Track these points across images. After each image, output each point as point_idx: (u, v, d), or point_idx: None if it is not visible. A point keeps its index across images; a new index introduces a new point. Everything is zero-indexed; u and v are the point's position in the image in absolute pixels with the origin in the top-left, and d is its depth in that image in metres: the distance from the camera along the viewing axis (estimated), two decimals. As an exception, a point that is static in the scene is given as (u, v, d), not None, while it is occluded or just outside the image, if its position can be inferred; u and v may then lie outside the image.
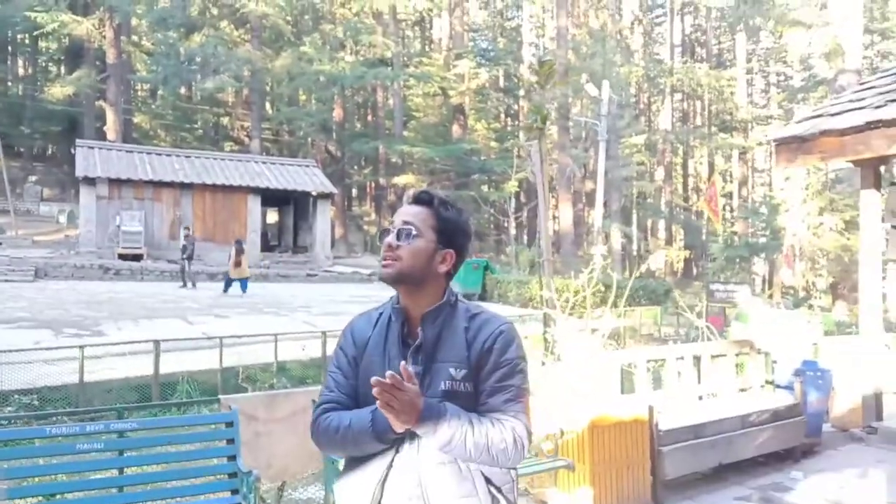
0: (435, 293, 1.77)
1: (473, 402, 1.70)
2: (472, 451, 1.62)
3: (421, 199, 1.80)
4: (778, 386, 5.93)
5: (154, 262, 22.07)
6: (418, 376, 1.67)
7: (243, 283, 17.73)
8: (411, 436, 1.66)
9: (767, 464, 5.34)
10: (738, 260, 23.71)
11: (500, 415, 1.67)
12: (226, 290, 17.57)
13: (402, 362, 1.61)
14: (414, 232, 1.73)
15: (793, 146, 5.97)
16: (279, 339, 8.57)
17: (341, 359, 1.82)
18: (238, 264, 17.66)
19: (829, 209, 20.10)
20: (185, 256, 18.83)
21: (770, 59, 40.81)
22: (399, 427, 1.61)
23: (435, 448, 1.64)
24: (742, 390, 5.83)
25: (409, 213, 1.78)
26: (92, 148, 24.45)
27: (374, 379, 1.53)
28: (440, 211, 1.78)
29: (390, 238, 1.74)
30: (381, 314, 1.84)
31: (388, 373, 1.55)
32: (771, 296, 20.41)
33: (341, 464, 3.67)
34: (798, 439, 5.50)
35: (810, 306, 17.11)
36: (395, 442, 1.68)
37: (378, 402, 1.55)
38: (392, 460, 1.69)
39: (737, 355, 5.99)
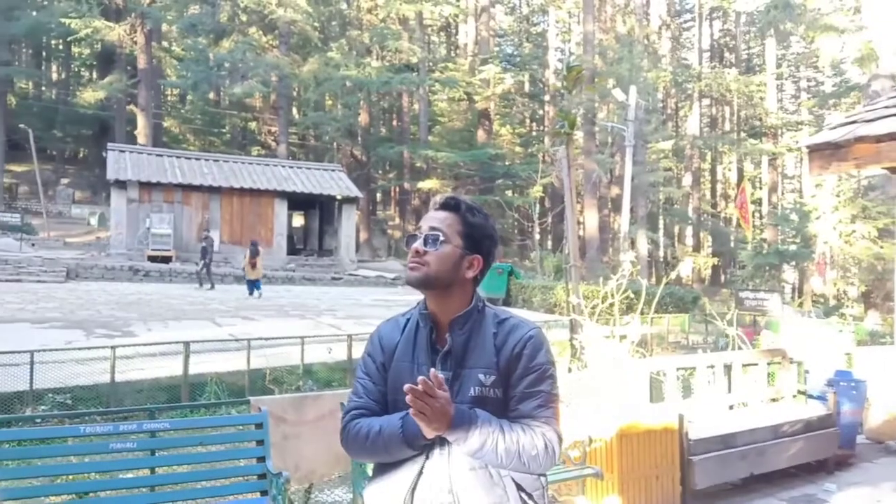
0: (462, 299, 1.77)
1: (503, 407, 1.70)
2: (504, 458, 1.62)
3: (448, 205, 1.80)
4: (810, 396, 5.82)
5: (182, 264, 22.37)
6: (447, 382, 1.66)
7: (257, 284, 17.99)
8: (441, 442, 1.66)
9: (799, 475, 5.24)
10: (767, 267, 23.37)
11: (531, 421, 1.67)
12: (251, 293, 17.76)
13: (433, 369, 1.61)
14: (441, 238, 1.73)
15: (826, 153, 5.85)
16: (305, 341, 8.62)
17: (369, 365, 1.83)
18: (253, 266, 17.92)
19: (862, 217, 19.71)
20: (205, 260, 19.05)
21: (801, 64, 40.26)
22: (430, 434, 1.61)
23: (466, 454, 1.64)
24: (773, 400, 5.73)
25: (436, 218, 1.78)
26: (123, 151, 24.89)
27: (407, 386, 1.54)
28: (467, 216, 1.78)
29: (417, 243, 1.74)
30: (408, 320, 1.84)
31: (420, 378, 1.55)
32: (801, 304, 20.05)
33: (370, 468, 3.68)
34: (831, 451, 5.39)
35: (842, 315, 16.79)
36: (425, 448, 1.68)
37: (411, 409, 1.55)
38: (422, 467, 1.69)
39: (768, 364, 5.90)
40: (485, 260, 1.79)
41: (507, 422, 1.66)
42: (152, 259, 21.99)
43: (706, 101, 43.59)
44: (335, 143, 36.92)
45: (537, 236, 28.68)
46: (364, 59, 33.64)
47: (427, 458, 1.69)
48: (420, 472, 1.69)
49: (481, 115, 36.77)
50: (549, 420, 1.68)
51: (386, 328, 1.87)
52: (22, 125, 29.14)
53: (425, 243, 1.73)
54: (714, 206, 43.29)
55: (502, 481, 1.67)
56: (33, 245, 23.59)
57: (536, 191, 28.95)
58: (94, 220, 30.26)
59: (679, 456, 4.54)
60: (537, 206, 28.74)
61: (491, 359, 1.71)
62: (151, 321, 12.40)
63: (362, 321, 13.66)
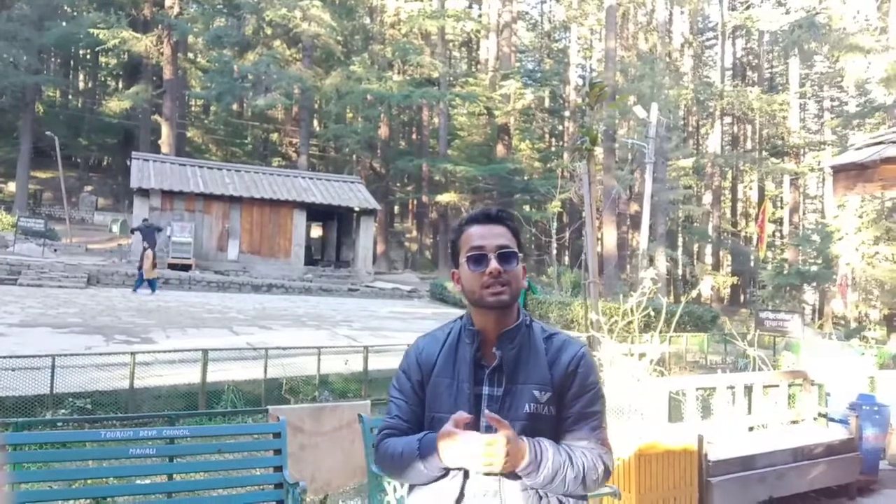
0: (514, 312, 1.73)
1: (555, 425, 1.66)
2: (570, 485, 1.61)
3: (501, 218, 1.75)
4: (832, 419, 5.73)
5: (202, 272, 22.56)
6: (496, 399, 1.64)
7: (145, 281, 18.47)
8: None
9: (819, 500, 5.15)
10: (788, 288, 23.09)
11: (589, 443, 1.65)
12: (150, 290, 18.30)
13: (487, 411, 1.59)
14: (518, 255, 1.70)
15: (852, 174, 5.80)
16: (322, 352, 8.65)
17: (403, 383, 1.78)
18: (154, 265, 18.52)
19: (886, 239, 19.46)
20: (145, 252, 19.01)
21: (824, 83, 39.95)
22: (449, 462, 1.58)
23: (535, 486, 1.60)
24: (794, 422, 5.65)
25: (497, 234, 1.71)
26: (147, 160, 25.23)
27: (464, 450, 1.54)
28: (515, 227, 1.76)
29: (494, 264, 1.66)
30: (448, 334, 1.78)
31: (488, 413, 1.57)
32: (822, 326, 19.77)
33: (386, 480, 3.67)
34: (853, 476, 5.30)
35: (863, 338, 16.54)
36: (459, 484, 1.63)
37: (474, 466, 1.54)
38: (462, 489, 1.64)
39: (789, 386, 5.82)
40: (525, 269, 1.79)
41: (570, 447, 1.64)
42: (172, 267, 22.20)
43: (728, 120, 43.41)
44: (355, 156, 37.16)
45: (555, 252, 28.62)
46: (386, 73, 33.93)
47: (466, 477, 1.63)
48: (461, 495, 1.64)
49: (501, 129, 36.87)
50: (605, 441, 1.68)
51: (424, 343, 1.82)
52: (48, 133, 29.62)
53: (503, 262, 1.67)
54: (734, 224, 42.96)
55: (549, 500, 1.64)
56: (56, 251, 23.91)
57: (555, 206, 28.93)
58: (115, 228, 30.64)
59: (698, 477, 4.48)
60: (555, 221, 28.71)
61: (545, 375, 1.67)
62: (170, 328, 12.51)
63: (378, 333, 13.69)
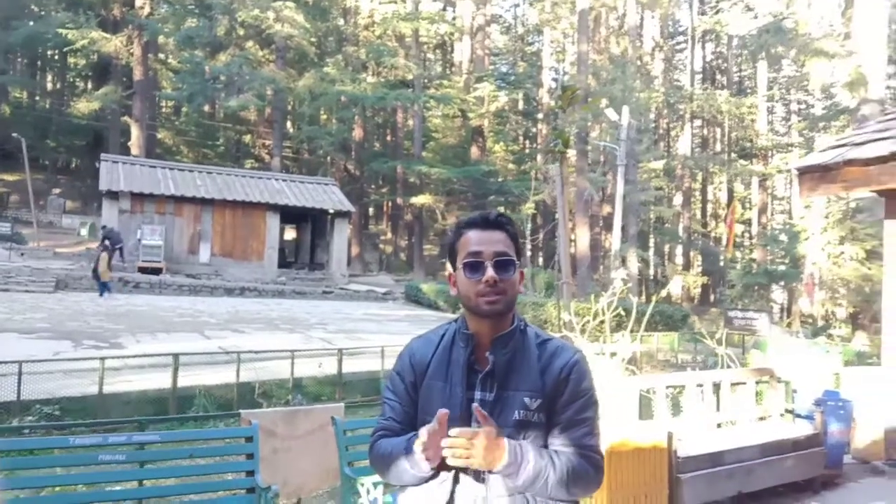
0: (509, 317, 1.71)
1: (545, 432, 1.64)
2: (553, 489, 1.58)
3: (500, 224, 1.71)
4: (798, 415, 5.86)
5: (173, 276, 22.29)
6: (488, 405, 1.62)
7: (105, 286, 18.38)
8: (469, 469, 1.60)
9: (786, 494, 5.26)
10: (756, 287, 23.50)
11: (578, 449, 1.63)
12: (101, 294, 18.11)
13: (475, 404, 1.57)
14: (515, 263, 1.67)
15: (816, 175, 5.95)
16: (295, 355, 8.60)
17: (397, 384, 1.77)
18: (109, 268, 18.48)
19: (850, 238, 19.88)
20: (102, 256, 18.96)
21: (791, 87, 40.71)
22: (430, 457, 1.56)
23: (515, 489, 1.59)
24: (761, 419, 5.77)
25: (495, 240, 1.68)
26: (116, 162, 24.86)
27: (445, 441, 1.50)
28: (513, 232, 1.72)
29: (490, 273, 1.63)
30: (442, 336, 1.76)
31: (476, 406, 1.54)
32: (790, 324, 20.15)
33: (359, 482, 3.67)
34: (818, 470, 5.42)
35: (830, 336, 16.89)
36: (449, 487, 1.62)
37: (452, 459, 1.50)
38: (452, 493, 1.63)
39: (756, 383, 5.93)
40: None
41: (556, 452, 1.61)
42: (142, 270, 21.90)
43: (697, 122, 44.01)
44: (329, 158, 37.01)
45: (529, 253, 28.77)
46: (360, 74, 33.86)
47: (456, 481, 1.63)
48: (451, 501, 1.63)
49: (475, 131, 36.99)
50: (597, 448, 1.66)
51: (418, 345, 1.80)
52: (15, 134, 29.03)
53: (500, 270, 1.65)
54: (704, 225, 43.57)
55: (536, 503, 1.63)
56: (22, 255, 23.44)
57: (528, 208, 29.07)
58: (84, 231, 30.11)
59: (668, 474, 4.55)
60: (529, 222, 28.89)
61: (536, 382, 1.65)
62: (140, 333, 12.34)
63: (353, 335, 13.65)
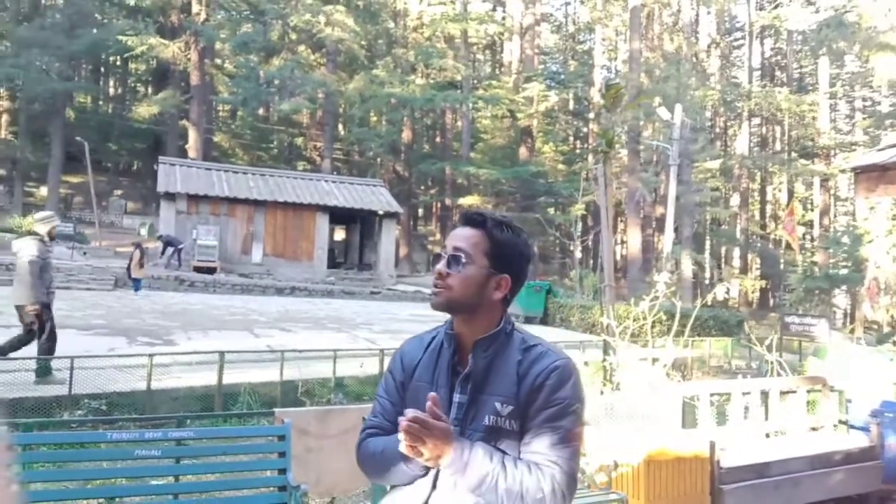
0: (490, 320, 1.66)
1: (518, 441, 1.58)
2: (504, 498, 1.50)
3: (473, 221, 1.68)
4: (852, 426, 5.59)
5: (227, 275, 22.83)
6: (462, 407, 1.60)
7: (139, 283, 18.96)
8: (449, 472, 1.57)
9: (839, 510, 5.02)
10: (817, 292, 22.65)
11: (543, 458, 1.54)
12: (136, 291, 18.72)
13: (431, 393, 1.53)
14: (464, 259, 1.63)
15: (874, 175, 5.68)
16: (339, 355, 8.67)
17: (389, 383, 1.76)
18: (141, 265, 18.90)
19: (918, 241, 18.95)
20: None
21: (855, 83, 39.16)
22: (422, 464, 1.54)
23: (465, 490, 1.54)
24: (813, 429, 5.53)
25: (460, 237, 1.67)
26: (173, 165, 25.61)
27: (408, 412, 1.48)
28: (494, 234, 1.66)
29: (440, 265, 1.65)
30: (434, 337, 1.76)
31: (431, 395, 1.50)
32: (853, 331, 19.33)
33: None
34: (874, 485, 5.16)
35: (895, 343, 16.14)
36: (433, 477, 1.59)
37: (404, 438, 1.47)
38: (428, 498, 1.60)
39: (808, 392, 5.69)
40: (515, 279, 1.67)
41: (513, 458, 1.55)
42: (198, 270, 22.49)
43: (756, 121, 42.74)
44: (378, 159, 37.34)
45: (578, 255, 28.42)
46: (409, 76, 34.06)
47: (434, 487, 1.60)
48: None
49: (524, 132, 36.75)
50: (563, 460, 1.54)
51: (409, 346, 1.80)
52: (79, 138, 30.26)
53: (448, 265, 1.64)
54: (763, 227, 42.28)
55: None
56: (85, 254, 24.36)
57: (578, 209, 28.72)
58: (144, 231, 31.13)
59: (710, 485, 4.40)
60: (579, 224, 28.54)
61: (511, 387, 1.60)
62: (192, 330, 12.66)
63: (398, 336, 13.70)
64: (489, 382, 1.62)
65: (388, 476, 1.67)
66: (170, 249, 22.77)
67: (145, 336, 11.53)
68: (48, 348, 7.24)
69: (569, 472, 1.54)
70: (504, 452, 1.57)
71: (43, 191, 34.87)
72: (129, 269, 19.26)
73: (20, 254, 7.12)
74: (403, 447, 1.49)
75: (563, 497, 1.53)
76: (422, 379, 1.70)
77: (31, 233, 7.56)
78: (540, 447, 1.55)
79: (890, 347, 14.06)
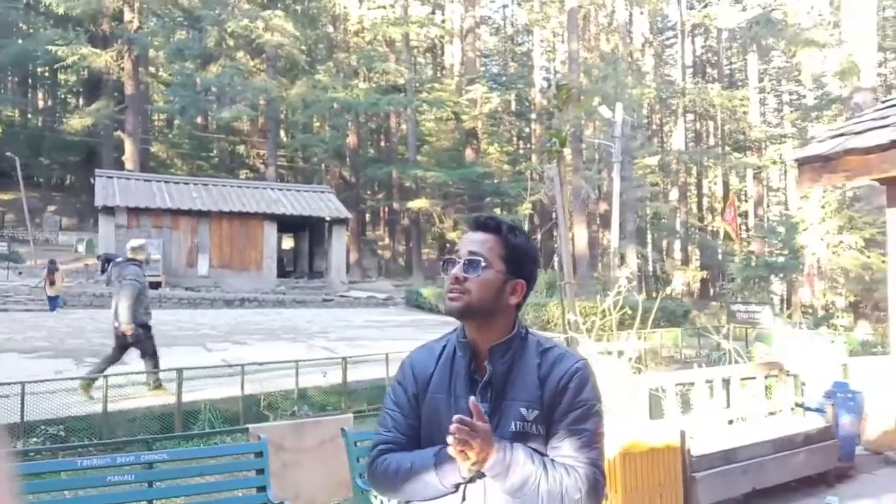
0: (504, 325, 1.65)
1: (545, 444, 1.59)
2: (545, 499, 1.51)
3: (488, 226, 1.66)
4: (808, 409, 5.82)
5: (172, 289, 22.22)
6: (486, 415, 1.57)
7: (56, 300, 18.62)
8: (478, 481, 1.55)
9: (800, 489, 5.22)
10: (756, 280, 23.47)
11: (573, 461, 1.55)
12: (52, 310, 18.28)
13: (472, 398, 1.52)
14: (483, 263, 1.61)
15: (816, 166, 5.91)
16: (299, 365, 8.54)
17: (400, 395, 1.71)
18: (52, 283, 18.56)
19: (849, 227, 19.87)
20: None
21: (783, 78, 40.83)
22: (466, 472, 1.52)
23: (505, 493, 1.53)
24: (772, 413, 5.73)
25: (475, 241, 1.65)
26: (111, 177, 24.81)
27: (456, 417, 1.46)
28: (509, 238, 1.65)
29: (457, 270, 1.61)
30: (444, 347, 1.72)
31: (457, 417, 1.47)
32: (790, 316, 20.12)
33: (372, 494, 3.62)
34: (831, 463, 5.38)
35: (831, 326, 16.89)
36: (460, 488, 1.57)
37: (453, 441, 1.45)
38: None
39: (765, 377, 5.90)
40: (528, 284, 1.67)
41: (551, 460, 1.56)
42: (141, 285, 21.81)
43: (690, 117, 44.08)
44: (324, 165, 36.98)
45: (528, 254, 28.65)
46: (351, 81, 33.84)
47: (464, 499, 1.57)
48: None
49: (469, 134, 36.97)
50: (595, 461, 1.56)
51: (419, 356, 1.75)
52: (8, 153, 28.96)
53: (465, 269, 1.61)
54: (701, 219, 43.61)
55: None
56: (20, 273, 23.36)
57: (525, 208, 29.01)
58: (81, 248, 30.01)
59: (682, 472, 4.52)
60: (526, 223, 28.83)
61: (534, 392, 1.59)
62: (142, 348, 12.24)
63: (355, 343, 13.59)
64: (510, 388, 1.61)
65: (414, 492, 1.62)
66: (109, 266, 21.92)
67: (92, 357, 11.09)
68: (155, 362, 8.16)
69: (601, 473, 1.57)
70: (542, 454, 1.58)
71: (-30, 209, 33.28)
72: (44, 288, 18.65)
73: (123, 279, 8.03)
74: (452, 451, 1.47)
75: (598, 497, 1.56)
76: (438, 391, 1.66)
77: (130, 260, 8.50)
78: (569, 450, 1.56)
79: (827, 330, 14.72)
